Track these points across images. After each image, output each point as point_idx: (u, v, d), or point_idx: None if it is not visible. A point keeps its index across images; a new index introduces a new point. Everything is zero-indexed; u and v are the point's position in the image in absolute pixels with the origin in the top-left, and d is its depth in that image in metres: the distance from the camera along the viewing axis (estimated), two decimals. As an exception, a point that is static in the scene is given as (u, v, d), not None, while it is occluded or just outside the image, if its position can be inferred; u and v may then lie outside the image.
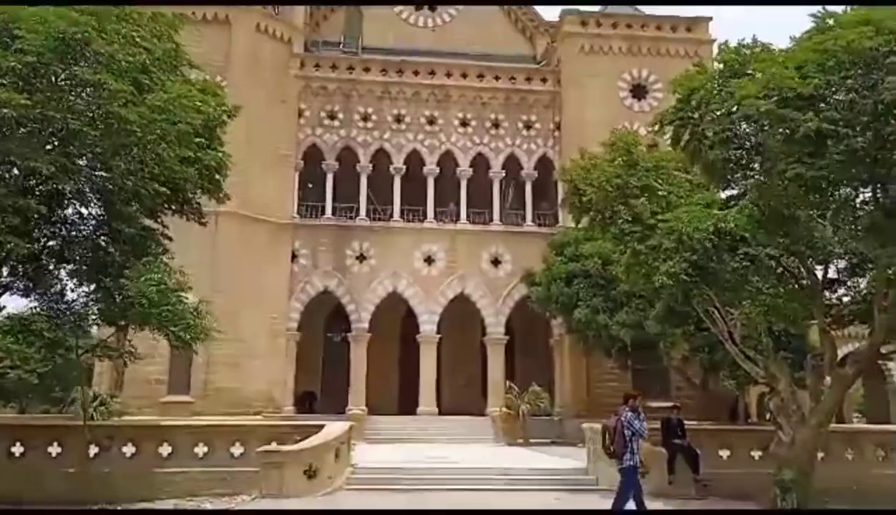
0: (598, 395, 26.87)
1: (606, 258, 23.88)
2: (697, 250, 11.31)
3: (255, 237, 27.56)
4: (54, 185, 10.84)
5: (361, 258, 29.01)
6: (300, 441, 13.89)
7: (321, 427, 14.75)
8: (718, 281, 11.86)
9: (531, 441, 24.39)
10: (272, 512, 10.66)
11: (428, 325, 28.75)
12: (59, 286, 12.17)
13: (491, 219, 30.00)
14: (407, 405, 28.77)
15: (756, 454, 15.66)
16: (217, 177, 12.95)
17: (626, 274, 14.17)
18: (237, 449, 14.49)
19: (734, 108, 10.70)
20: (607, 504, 13.38)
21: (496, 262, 29.50)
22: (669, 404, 18.40)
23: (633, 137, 14.70)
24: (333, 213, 29.37)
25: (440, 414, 27.77)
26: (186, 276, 14.42)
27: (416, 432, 25.64)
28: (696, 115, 11.17)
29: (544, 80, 31.16)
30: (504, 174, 30.27)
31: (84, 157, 11.12)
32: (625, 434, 10.33)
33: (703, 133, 10.96)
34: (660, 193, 12.66)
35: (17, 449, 14.38)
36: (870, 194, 11.14)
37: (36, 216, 10.95)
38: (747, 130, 10.75)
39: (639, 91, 30.09)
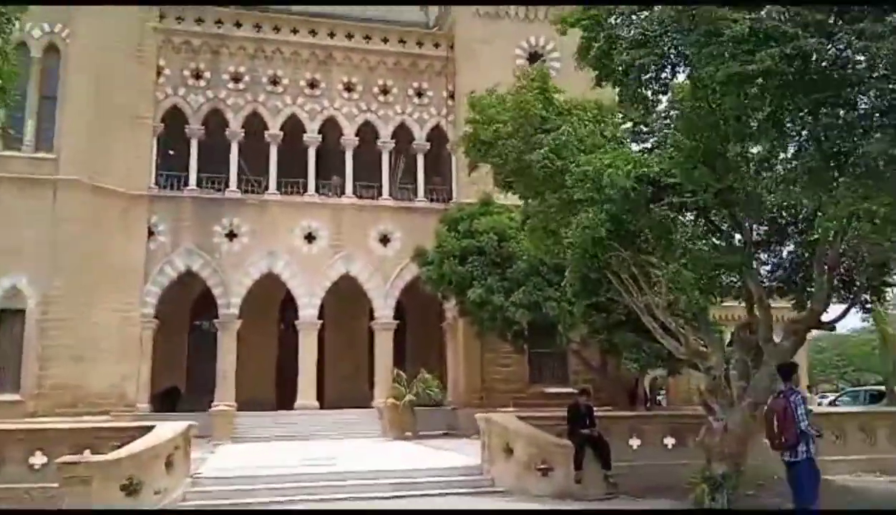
0: (492, 382, 24.98)
1: (502, 234, 22.08)
2: (616, 200, 9.20)
3: (104, 211, 23.84)
4: None
5: (232, 235, 25.72)
6: (119, 447, 10.83)
7: (150, 428, 11.71)
8: (638, 240, 9.83)
9: (421, 433, 22.13)
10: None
11: (309, 310, 25.88)
12: None
13: (380, 194, 27.39)
14: (285, 399, 25.90)
15: (669, 442, 13.98)
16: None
17: (530, 235, 11.95)
18: (38, 459, 11.23)
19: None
20: (511, 507, 11.22)
21: (385, 240, 26.95)
22: (572, 390, 16.55)
23: (545, 72, 12.54)
24: (199, 184, 25.86)
25: (322, 407, 25.11)
26: None
27: (293, 429, 22.92)
28: (610, 20, 9.05)
29: (437, 45, 28.79)
30: (394, 144, 27.73)
31: None
32: (796, 419, 8.16)
33: (616, 36, 8.84)
34: (579, 137, 10.36)
35: None
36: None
37: None
38: (669, 33, 8.53)
39: (536, 59, 28.19)
